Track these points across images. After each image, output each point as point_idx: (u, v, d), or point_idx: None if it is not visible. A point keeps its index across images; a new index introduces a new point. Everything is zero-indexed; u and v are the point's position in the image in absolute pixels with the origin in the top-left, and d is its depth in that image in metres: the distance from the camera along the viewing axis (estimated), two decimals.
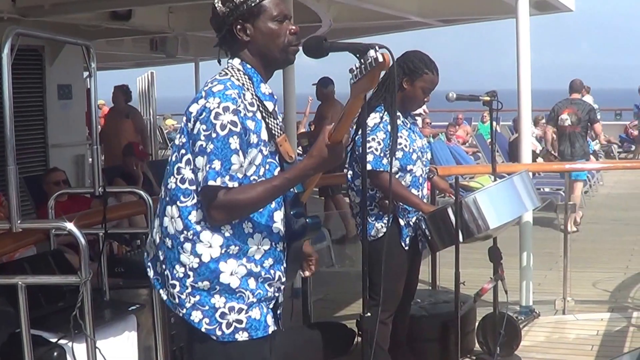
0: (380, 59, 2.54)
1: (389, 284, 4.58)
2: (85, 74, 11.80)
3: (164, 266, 2.96)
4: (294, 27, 3.00)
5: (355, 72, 2.62)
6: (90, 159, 12.23)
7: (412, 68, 4.66)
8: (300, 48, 2.96)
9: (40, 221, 5.41)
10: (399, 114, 4.72)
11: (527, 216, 6.64)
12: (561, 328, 6.57)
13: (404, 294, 4.90)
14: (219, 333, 2.89)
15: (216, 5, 2.97)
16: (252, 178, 2.86)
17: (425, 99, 4.79)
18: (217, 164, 2.74)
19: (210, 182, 2.74)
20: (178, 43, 12.96)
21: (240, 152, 2.78)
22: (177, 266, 2.90)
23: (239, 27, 2.95)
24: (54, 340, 3.89)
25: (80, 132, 11.91)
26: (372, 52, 2.57)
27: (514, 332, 5.73)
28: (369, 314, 3.06)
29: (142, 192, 4.84)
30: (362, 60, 2.60)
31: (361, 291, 3.08)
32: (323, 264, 8.54)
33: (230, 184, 2.75)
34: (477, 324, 5.84)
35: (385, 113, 4.60)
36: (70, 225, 3.76)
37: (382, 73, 2.63)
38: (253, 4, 2.93)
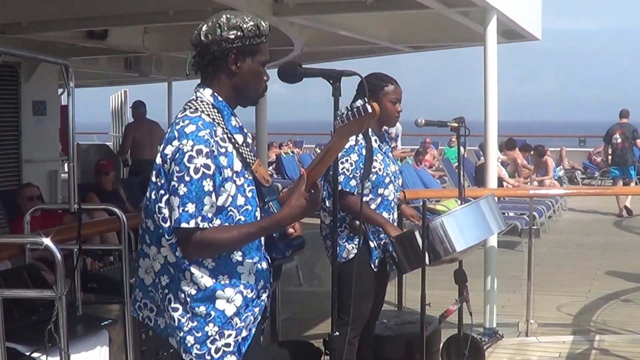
0: (370, 110, 2.69)
1: (357, 304, 4.60)
2: (60, 90, 11.89)
3: (166, 290, 3.01)
4: (267, 76, 3.10)
5: (342, 117, 2.74)
6: (63, 175, 12.26)
7: (371, 88, 4.67)
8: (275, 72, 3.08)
9: (17, 236, 5.43)
10: (375, 138, 4.79)
11: (491, 240, 6.77)
12: (524, 350, 6.66)
13: (371, 314, 4.96)
14: (208, 358, 2.97)
15: (220, 25, 2.96)
16: (229, 209, 2.94)
17: (398, 109, 4.82)
18: (190, 207, 2.81)
19: (183, 225, 2.82)
20: (152, 62, 13.03)
21: (213, 194, 2.85)
22: (178, 292, 2.97)
23: (233, 57, 2.98)
24: (27, 353, 3.94)
25: (53, 148, 11.98)
26: (360, 102, 2.71)
27: (477, 353, 5.82)
28: (337, 333, 3.16)
29: (116, 210, 4.91)
30: (351, 107, 2.73)
31: (329, 311, 3.17)
32: (291, 283, 8.62)
33: (201, 224, 2.83)
34: (441, 344, 5.90)
35: (361, 136, 4.69)
36: (47, 241, 3.79)
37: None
38: (255, 42, 2.99)
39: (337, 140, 2.82)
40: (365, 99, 2.75)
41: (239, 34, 2.96)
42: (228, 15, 2.99)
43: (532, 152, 17.05)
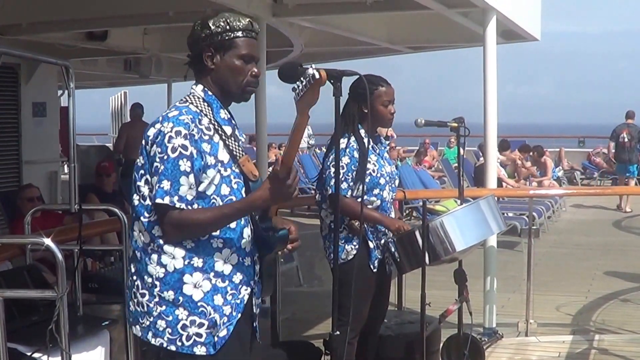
0: (317, 76, 2.71)
1: (355, 305, 4.60)
2: (60, 92, 11.89)
3: (134, 277, 3.08)
4: (256, 70, 3.14)
5: (297, 91, 2.77)
6: (62, 176, 12.26)
7: (362, 92, 4.60)
8: (276, 73, 3.09)
9: (18, 236, 5.44)
10: (368, 139, 4.76)
11: (491, 240, 6.77)
12: (523, 350, 6.66)
13: (374, 315, 4.97)
14: (179, 344, 3.01)
15: (196, 27, 3.12)
16: (212, 196, 3.01)
17: (391, 110, 4.81)
18: (165, 184, 2.90)
19: (158, 200, 2.91)
20: (152, 64, 13.04)
21: (191, 175, 2.93)
22: (145, 276, 3.03)
23: (208, 54, 3.10)
24: (28, 353, 3.94)
25: (53, 149, 12.00)
26: (310, 70, 2.73)
27: (477, 353, 5.82)
28: (338, 333, 3.16)
29: (117, 210, 4.92)
30: (302, 79, 2.75)
31: (329, 311, 3.18)
32: (292, 283, 8.63)
33: (178, 204, 2.91)
34: (441, 344, 5.91)
35: (353, 138, 4.69)
36: (47, 241, 3.82)
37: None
38: (227, 37, 3.08)
39: (299, 117, 2.83)
40: (312, 65, 2.75)
41: (207, 31, 3.08)
42: (204, 17, 3.13)
43: (531, 153, 17.10)
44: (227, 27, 3.07)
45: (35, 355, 3.92)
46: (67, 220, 6.59)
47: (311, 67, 2.75)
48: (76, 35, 10.53)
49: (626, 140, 16.18)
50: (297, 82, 2.77)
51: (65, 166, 13.60)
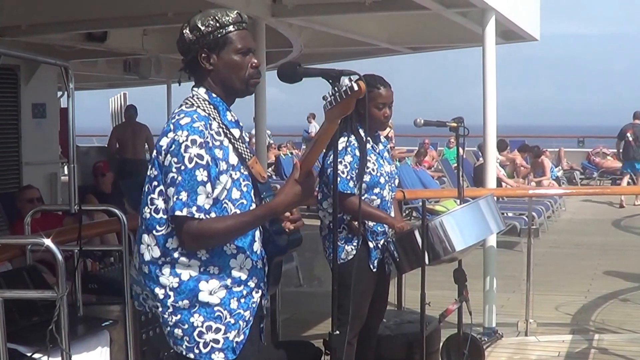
0: (356, 88, 2.67)
1: (355, 305, 4.55)
2: (59, 93, 11.91)
3: (148, 288, 3.03)
4: (255, 61, 3.07)
5: (329, 99, 2.73)
6: (62, 177, 12.28)
7: None
8: (275, 73, 3.09)
9: (18, 237, 5.44)
10: (368, 138, 4.77)
11: (491, 240, 6.78)
12: (523, 349, 6.67)
13: (374, 315, 4.96)
14: (196, 351, 2.97)
15: (184, 31, 3.05)
16: (223, 201, 2.96)
17: (385, 114, 4.77)
18: (183, 195, 2.84)
19: (177, 212, 2.85)
20: (151, 65, 13.05)
21: (208, 184, 2.88)
22: (156, 289, 2.98)
23: (203, 55, 3.03)
24: (29, 354, 3.95)
25: (53, 150, 12.02)
26: (346, 81, 2.69)
27: (477, 353, 5.82)
28: (337, 332, 3.17)
29: (117, 210, 4.92)
30: (336, 88, 2.71)
31: (329, 311, 3.16)
32: (292, 284, 8.64)
33: (197, 215, 2.85)
34: (441, 344, 5.91)
35: (353, 137, 4.69)
36: (47, 242, 3.81)
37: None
38: (219, 35, 3.01)
39: (327, 125, 2.81)
40: (351, 77, 2.72)
41: (197, 33, 3.02)
42: (190, 19, 3.07)
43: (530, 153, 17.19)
44: (217, 24, 3.01)
45: (36, 355, 3.93)
46: (67, 221, 6.59)
47: (349, 77, 2.71)
48: (75, 37, 10.55)
49: (631, 139, 17.10)
50: (330, 91, 2.72)
51: (65, 167, 13.62)
